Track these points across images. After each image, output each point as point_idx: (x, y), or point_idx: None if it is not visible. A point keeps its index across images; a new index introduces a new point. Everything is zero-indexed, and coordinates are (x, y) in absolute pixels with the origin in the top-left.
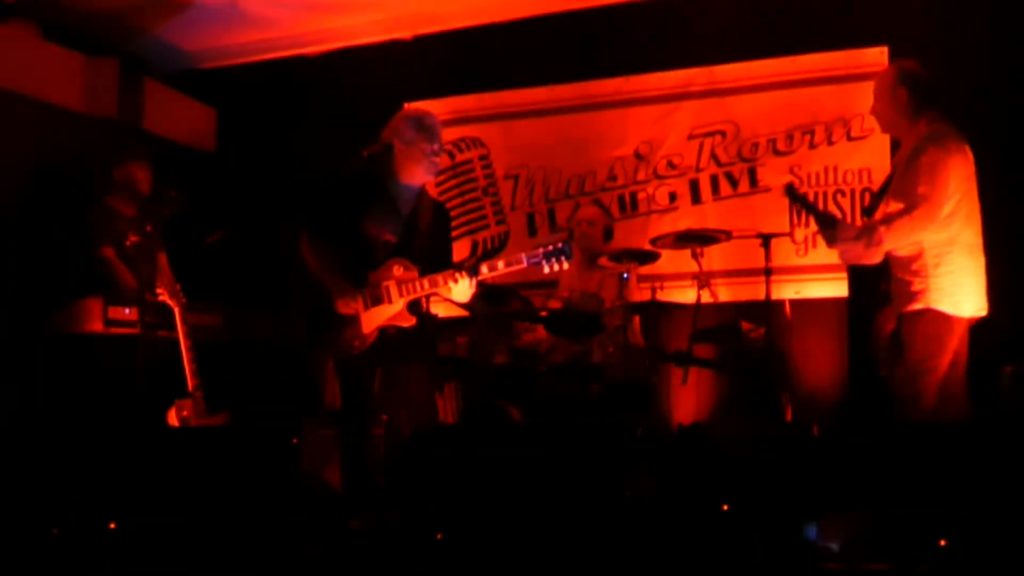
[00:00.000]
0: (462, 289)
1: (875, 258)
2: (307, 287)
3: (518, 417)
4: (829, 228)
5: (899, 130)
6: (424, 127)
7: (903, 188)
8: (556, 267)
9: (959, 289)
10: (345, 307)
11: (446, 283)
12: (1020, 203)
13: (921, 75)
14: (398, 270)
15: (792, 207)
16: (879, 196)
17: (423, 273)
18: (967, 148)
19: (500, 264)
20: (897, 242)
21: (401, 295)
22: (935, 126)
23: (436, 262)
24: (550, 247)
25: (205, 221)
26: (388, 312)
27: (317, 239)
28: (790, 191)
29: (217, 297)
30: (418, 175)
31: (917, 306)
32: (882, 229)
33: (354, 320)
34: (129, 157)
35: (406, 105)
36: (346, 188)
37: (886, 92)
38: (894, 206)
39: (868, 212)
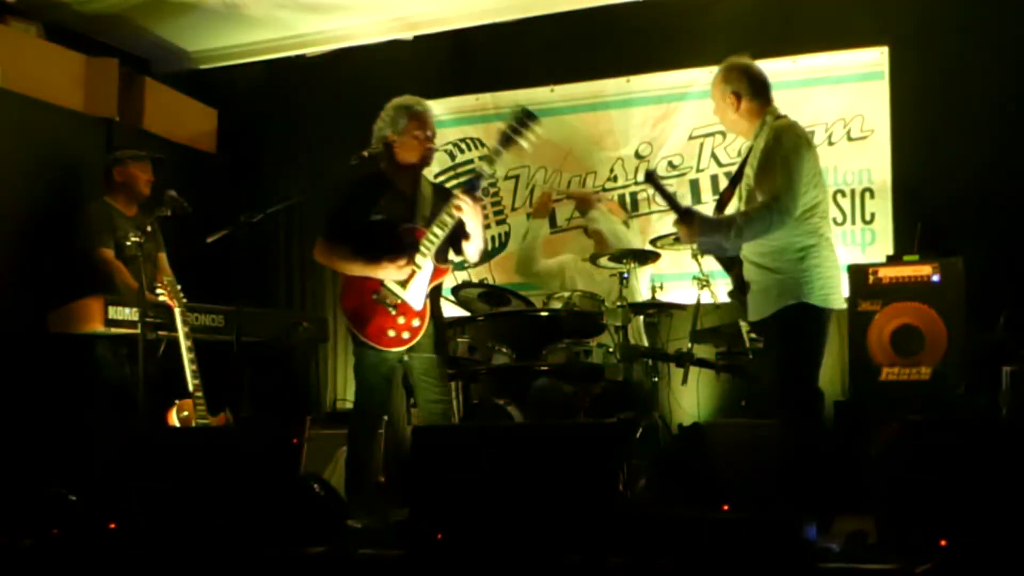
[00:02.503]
0: (471, 211)
1: (735, 251)
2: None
3: (518, 417)
4: (687, 220)
5: (740, 129)
6: (414, 114)
7: (759, 182)
8: (530, 136)
9: (827, 283)
10: (397, 274)
11: (454, 217)
12: (1018, 207)
13: (746, 72)
14: (408, 236)
15: (654, 193)
16: (730, 190)
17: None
18: (812, 143)
19: (486, 168)
20: (756, 235)
21: (424, 254)
22: (780, 121)
23: (447, 237)
24: (512, 124)
25: (205, 221)
26: (425, 277)
27: (334, 243)
28: (650, 177)
29: (217, 297)
30: (416, 161)
31: (790, 301)
32: (740, 221)
33: (405, 305)
34: (130, 158)
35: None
36: (356, 191)
37: (719, 97)
38: (748, 201)
39: (720, 206)
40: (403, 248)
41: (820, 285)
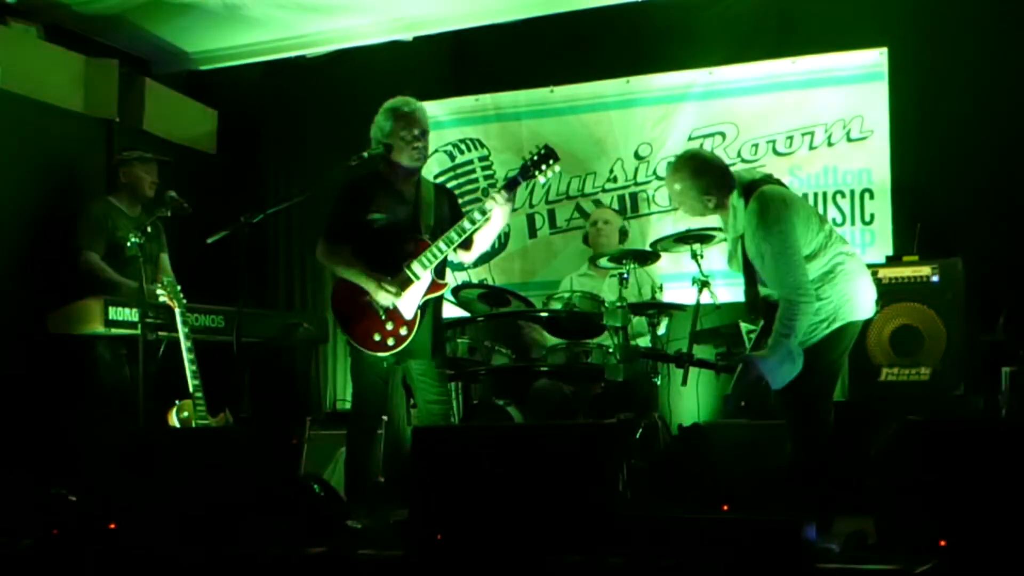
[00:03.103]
0: (501, 214)
1: (799, 346)
2: (341, 290)
3: (518, 418)
4: (752, 377)
5: (707, 213)
6: (400, 115)
7: (768, 279)
8: (548, 173)
9: (859, 292)
10: (385, 299)
11: (464, 230)
12: (1018, 208)
13: (707, 165)
14: (411, 246)
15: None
16: (753, 290)
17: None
18: (777, 193)
19: (500, 198)
20: (801, 323)
21: (424, 266)
22: (752, 204)
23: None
24: (533, 157)
25: (205, 221)
26: (420, 289)
27: (335, 245)
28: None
29: (217, 297)
30: (406, 162)
31: (836, 326)
32: (782, 332)
33: (395, 312)
34: (136, 159)
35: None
36: (353, 192)
37: (693, 199)
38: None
39: (753, 309)
40: (401, 260)
41: (853, 297)
